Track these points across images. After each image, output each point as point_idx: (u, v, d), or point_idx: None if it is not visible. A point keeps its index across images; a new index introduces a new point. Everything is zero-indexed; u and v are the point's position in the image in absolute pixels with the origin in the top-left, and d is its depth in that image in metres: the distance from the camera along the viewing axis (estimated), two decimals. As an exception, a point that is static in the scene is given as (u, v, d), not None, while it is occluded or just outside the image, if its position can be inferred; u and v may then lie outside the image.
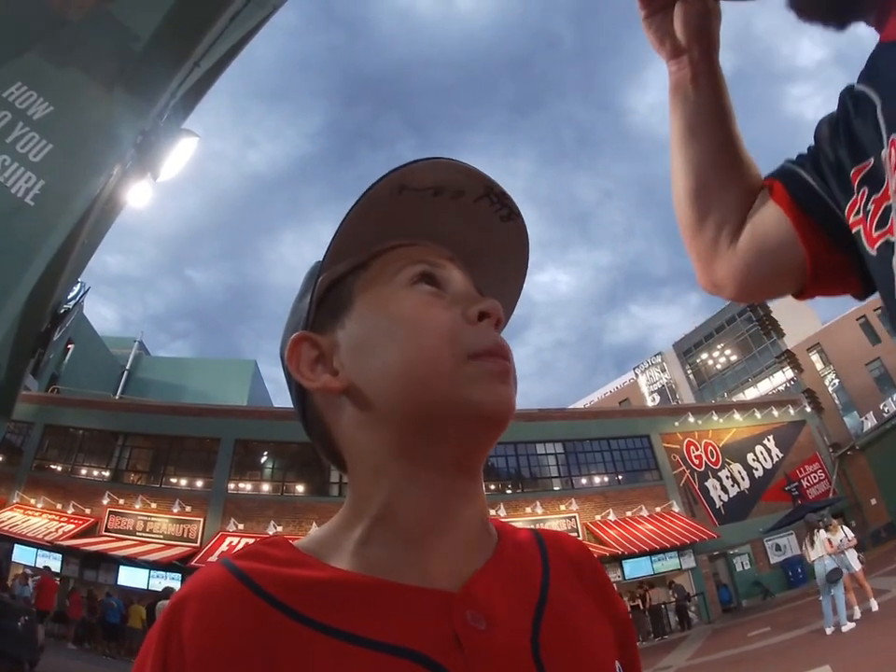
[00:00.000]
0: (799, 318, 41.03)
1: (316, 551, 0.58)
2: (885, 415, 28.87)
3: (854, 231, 0.77)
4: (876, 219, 0.72)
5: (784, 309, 38.96)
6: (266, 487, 21.67)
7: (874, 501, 27.12)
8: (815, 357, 39.19)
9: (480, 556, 0.61)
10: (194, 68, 7.77)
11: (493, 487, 23.60)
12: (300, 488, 21.83)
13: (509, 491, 24.20)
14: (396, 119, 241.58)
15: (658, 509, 24.93)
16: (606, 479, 25.87)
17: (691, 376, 46.63)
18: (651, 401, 47.58)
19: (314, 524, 19.15)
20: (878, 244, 0.72)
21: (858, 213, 0.76)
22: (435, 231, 0.68)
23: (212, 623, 0.49)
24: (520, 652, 0.53)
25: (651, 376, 50.54)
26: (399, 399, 0.58)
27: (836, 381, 37.65)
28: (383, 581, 0.54)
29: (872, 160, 0.74)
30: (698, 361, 46.44)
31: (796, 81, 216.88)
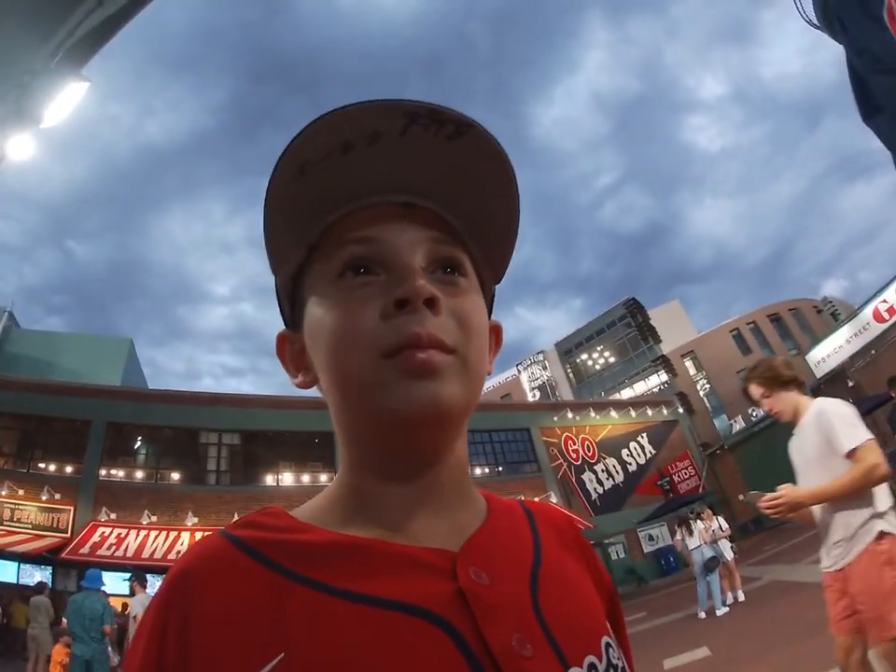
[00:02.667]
0: (676, 327, 43.95)
1: (313, 517, 0.58)
2: (752, 419, 31.15)
3: None
4: None
5: (662, 317, 41.27)
6: (140, 474, 20.41)
7: (741, 497, 28.60)
8: (689, 363, 41.77)
9: (472, 521, 0.61)
10: (97, 7, 7.19)
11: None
12: (175, 476, 20.74)
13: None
14: (303, 102, 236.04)
15: (537, 499, 25.18)
16: (486, 469, 26.29)
17: (570, 375, 48.53)
18: (532, 397, 49.29)
19: (189, 513, 18.51)
20: None
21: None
22: (366, 185, 0.60)
23: (215, 592, 0.50)
24: (522, 607, 0.54)
25: (532, 373, 52.21)
26: (336, 404, 0.59)
27: (708, 386, 40.32)
28: (383, 542, 0.55)
29: None
30: (578, 361, 48.34)
31: (695, 112, 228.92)
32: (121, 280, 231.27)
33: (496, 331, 0.71)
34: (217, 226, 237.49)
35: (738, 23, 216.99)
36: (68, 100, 7.91)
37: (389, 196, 0.60)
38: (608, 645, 0.58)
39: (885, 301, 26.86)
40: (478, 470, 25.92)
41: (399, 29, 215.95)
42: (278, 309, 0.68)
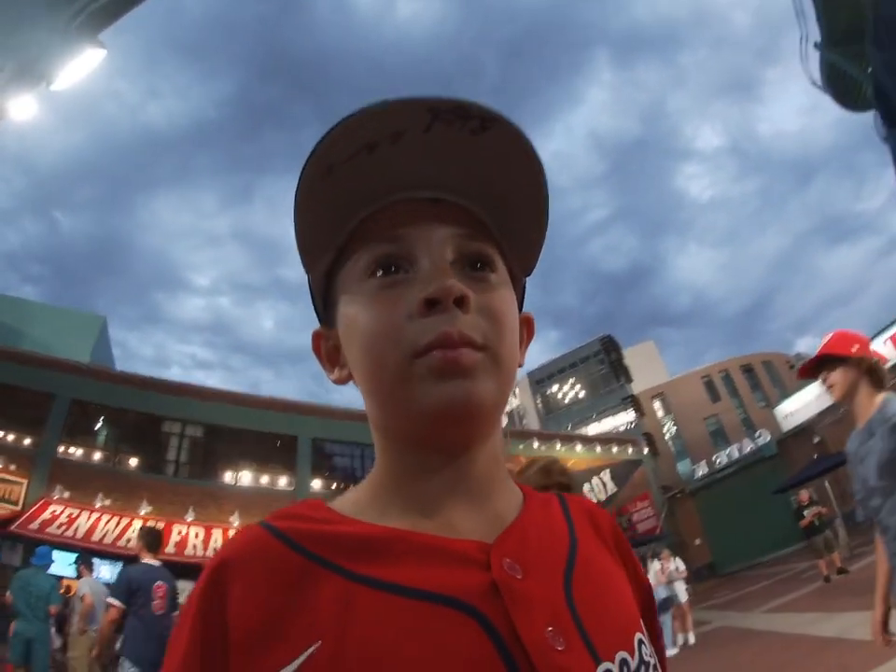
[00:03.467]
0: (648, 368, 44.33)
1: (350, 510, 0.59)
2: (716, 466, 31.34)
3: None
4: None
5: (636, 357, 41.62)
6: (98, 455, 19.89)
7: (698, 541, 29.88)
8: (658, 405, 42.20)
9: (507, 513, 0.61)
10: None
11: (333, 486, 23.19)
12: (133, 462, 20.23)
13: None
14: (308, 105, 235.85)
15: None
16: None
17: (540, 405, 48.38)
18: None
19: (144, 501, 18.09)
20: None
21: None
22: (397, 182, 0.60)
23: (254, 581, 0.51)
24: (556, 601, 0.54)
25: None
26: (370, 401, 0.61)
27: (674, 429, 40.68)
28: (417, 533, 0.55)
29: None
30: (549, 392, 48.23)
31: (690, 161, 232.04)
32: (102, 257, 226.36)
33: (527, 323, 0.71)
34: (206, 217, 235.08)
35: (742, 79, 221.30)
36: (83, 65, 7.83)
37: (416, 193, 0.60)
38: (640, 642, 0.58)
39: (856, 364, 26.87)
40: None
41: (411, 46, 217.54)
42: (312, 306, 0.70)
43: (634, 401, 39.20)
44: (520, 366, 0.65)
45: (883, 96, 0.70)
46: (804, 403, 29.74)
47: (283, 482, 21.55)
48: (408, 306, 0.56)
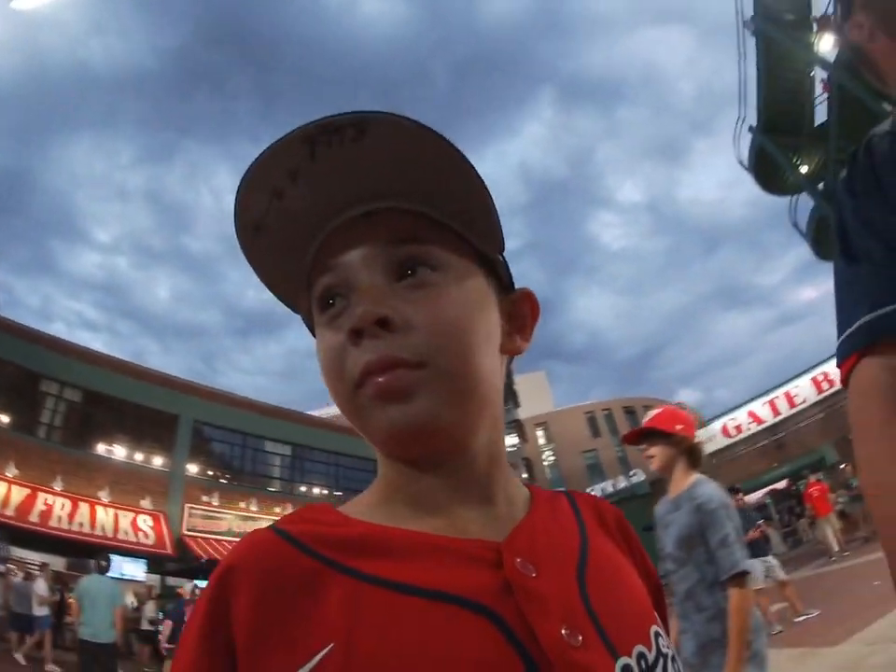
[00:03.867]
0: (536, 396, 45.45)
1: (359, 512, 0.58)
2: None
3: None
4: None
5: (526, 384, 42.55)
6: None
7: None
8: (540, 433, 43.38)
9: (515, 513, 0.61)
10: None
11: (209, 473, 22.40)
12: (4, 419, 18.66)
13: (223, 481, 23.00)
14: (248, 78, 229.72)
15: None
16: (325, 491, 25.73)
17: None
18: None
19: (11, 463, 16.45)
20: None
21: None
22: (311, 217, 0.60)
23: (262, 586, 0.50)
24: (571, 598, 0.54)
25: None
26: None
27: (553, 458, 41.92)
28: (428, 535, 0.55)
29: None
30: (437, 408, 48.36)
31: (609, 210, 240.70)
32: (1, 188, 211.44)
33: (525, 300, 0.68)
34: (120, 169, 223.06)
35: (673, 144, 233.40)
36: None
37: (343, 215, 0.60)
38: (656, 634, 0.58)
39: (734, 420, 28.73)
40: (316, 490, 25.47)
41: (368, 43, 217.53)
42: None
43: (518, 426, 39.89)
44: (521, 352, 0.66)
45: (843, 234, 0.79)
46: (679, 449, 30.85)
47: (158, 461, 20.51)
48: (344, 338, 0.56)
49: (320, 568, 0.51)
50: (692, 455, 2.77)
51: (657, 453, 2.78)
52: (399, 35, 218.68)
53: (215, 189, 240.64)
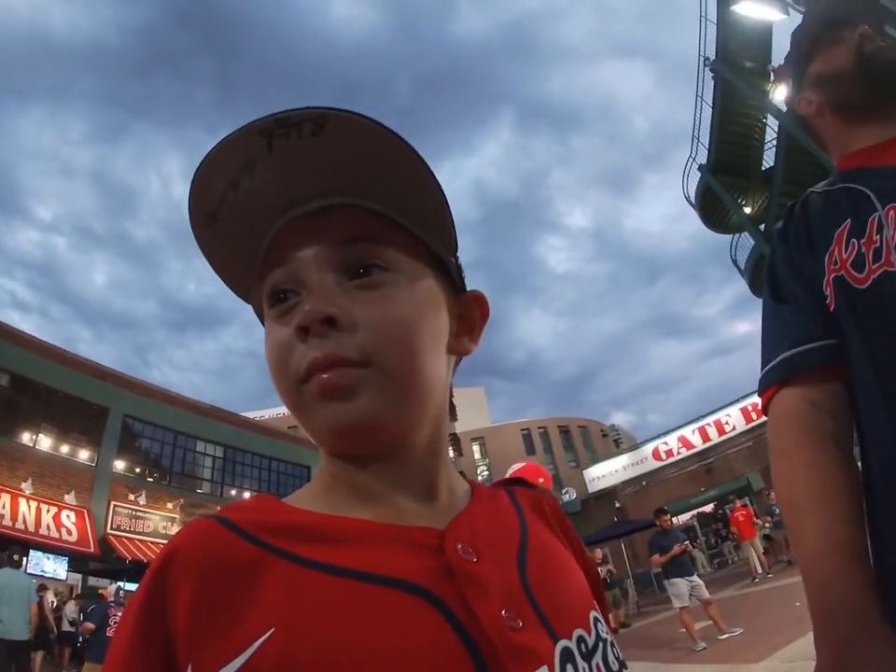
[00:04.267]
0: (474, 411, 45.72)
1: (301, 503, 0.59)
2: None
3: (833, 276, 1.00)
4: (871, 255, 0.95)
5: (464, 398, 42.81)
6: None
7: None
8: (476, 448, 43.63)
9: (456, 503, 0.62)
10: None
11: (137, 470, 21.72)
12: None
13: (151, 479, 22.33)
14: (210, 64, 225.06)
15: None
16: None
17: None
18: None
19: None
20: (875, 276, 0.93)
21: (836, 262, 1.00)
22: (267, 208, 0.60)
23: (202, 572, 0.50)
24: (510, 582, 0.55)
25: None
26: None
27: (487, 473, 42.01)
28: (370, 522, 0.56)
29: (849, 220, 1.00)
30: (372, 417, 48.19)
31: (556, 233, 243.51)
32: None
33: (477, 303, 0.70)
34: (67, 144, 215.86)
35: (623, 175, 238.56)
36: None
37: (297, 209, 0.60)
38: (595, 619, 0.60)
39: (666, 444, 29.43)
40: (247, 494, 24.66)
41: (335, 45, 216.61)
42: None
43: (454, 439, 39.92)
44: (469, 352, 0.67)
45: (773, 277, 0.94)
46: (610, 471, 31.73)
47: (84, 455, 19.72)
48: (292, 334, 0.57)
49: (262, 555, 0.51)
50: None
51: None
52: (367, 41, 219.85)
53: (164, 175, 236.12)
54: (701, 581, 8.33)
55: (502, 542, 0.59)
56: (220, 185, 0.57)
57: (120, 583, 11.03)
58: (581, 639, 0.56)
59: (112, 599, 9.41)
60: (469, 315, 0.68)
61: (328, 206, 0.59)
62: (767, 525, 16.97)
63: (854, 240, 0.97)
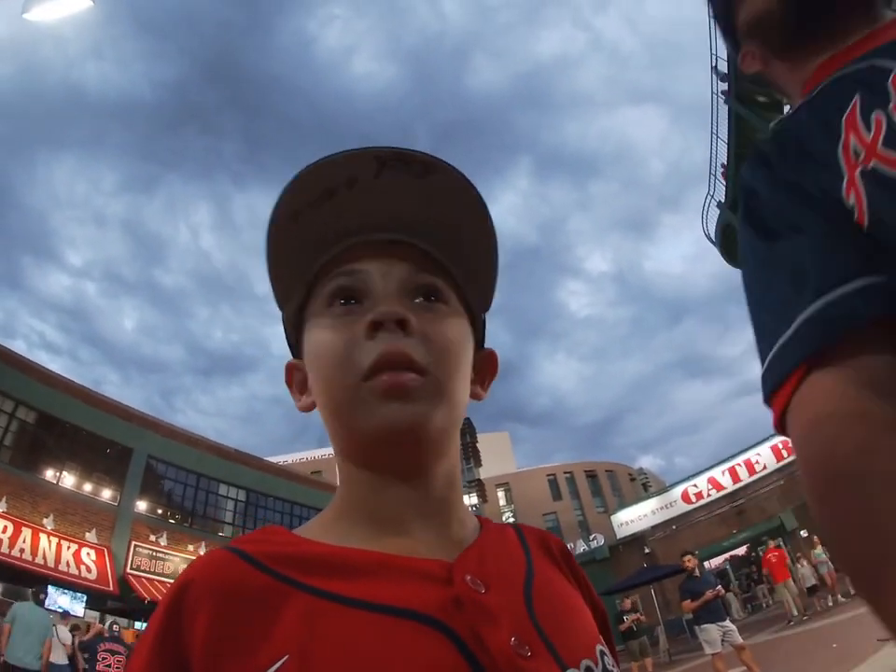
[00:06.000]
0: (499, 457, 45.44)
1: (313, 534, 0.60)
2: None
3: (860, 171, 0.65)
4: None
5: (489, 444, 42.54)
6: None
7: None
8: (501, 494, 43.41)
9: (466, 536, 0.63)
10: None
11: (159, 512, 21.67)
12: None
13: (172, 521, 22.26)
14: (238, 120, 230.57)
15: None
16: (279, 540, 24.84)
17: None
18: (343, 483, 48.08)
19: None
20: None
21: (856, 153, 0.66)
22: (352, 225, 0.65)
23: (217, 601, 0.51)
24: (518, 613, 0.56)
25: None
26: (326, 423, 0.65)
27: (512, 519, 41.05)
28: (381, 554, 0.57)
29: (858, 96, 0.69)
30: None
31: (577, 278, 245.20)
32: None
33: (490, 359, 0.74)
34: (100, 194, 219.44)
35: (641, 218, 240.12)
36: (65, 7, 7.74)
37: (373, 235, 0.65)
38: (602, 653, 0.60)
39: (695, 486, 28.89)
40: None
41: (355, 101, 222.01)
42: (286, 341, 0.73)
43: (479, 486, 39.69)
44: (480, 399, 0.71)
45: (753, 212, 0.68)
46: (639, 515, 31.06)
47: (107, 494, 19.73)
48: (358, 331, 0.60)
49: (276, 585, 0.52)
50: None
51: None
52: (387, 95, 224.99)
53: (192, 225, 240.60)
54: (733, 626, 8.06)
55: (509, 575, 0.60)
56: (316, 190, 0.62)
57: (117, 619, 11.04)
58: (588, 669, 0.56)
59: (108, 635, 9.55)
60: (483, 367, 0.73)
61: (401, 241, 0.65)
62: (804, 568, 16.22)
63: (878, 112, 0.66)
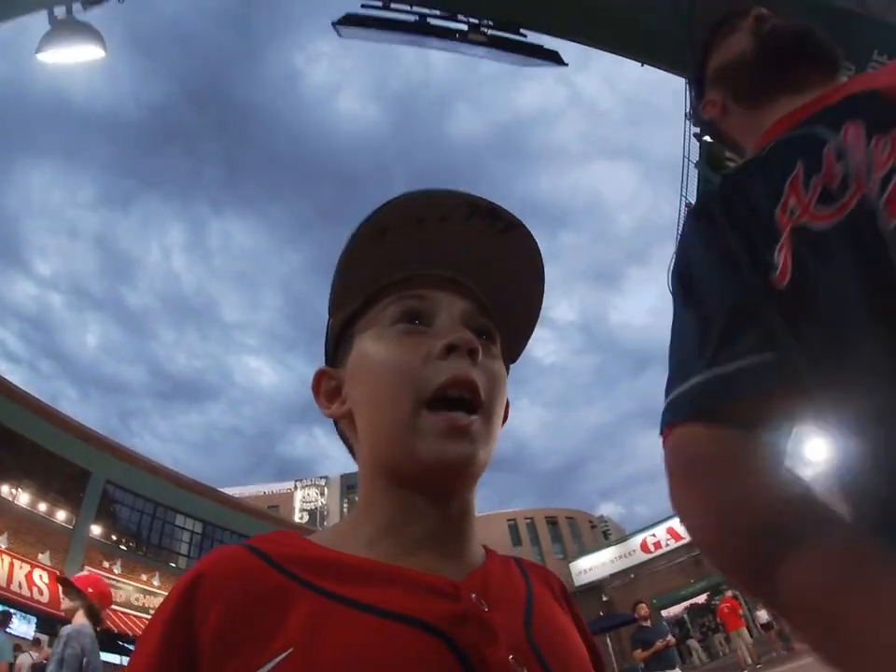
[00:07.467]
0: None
1: (327, 541, 0.63)
2: None
3: (795, 225, 0.75)
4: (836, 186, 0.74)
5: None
6: None
7: None
8: None
9: (473, 561, 0.66)
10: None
11: (113, 538, 21.11)
12: None
13: (124, 547, 21.65)
14: (219, 146, 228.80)
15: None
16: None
17: (347, 509, 47.45)
18: (300, 518, 47.72)
19: None
20: (849, 209, 0.72)
21: (792, 212, 0.76)
22: (431, 256, 0.70)
23: (228, 594, 0.53)
24: (518, 634, 0.58)
25: (308, 495, 51.35)
26: (372, 438, 0.66)
27: None
28: (392, 566, 0.59)
29: (800, 163, 0.78)
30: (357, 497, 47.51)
31: (543, 326, 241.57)
32: None
33: (507, 408, 0.76)
34: (75, 206, 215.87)
35: (608, 269, 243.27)
36: (75, 55, 7.83)
37: (443, 270, 0.71)
38: None
39: (653, 535, 28.99)
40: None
41: (337, 137, 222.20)
42: (324, 348, 0.77)
43: (439, 528, 39.29)
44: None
45: (685, 273, 0.72)
46: (598, 563, 31.11)
47: (62, 516, 19.20)
48: (426, 351, 0.63)
49: (287, 583, 0.55)
50: (90, 611, 4.14)
51: (72, 599, 4.17)
52: (368, 136, 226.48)
53: (165, 246, 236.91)
54: None
55: (511, 598, 0.63)
56: (409, 215, 0.67)
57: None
58: None
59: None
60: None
61: (461, 282, 0.71)
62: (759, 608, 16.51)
63: (815, 178, 0.76)
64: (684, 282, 0.84)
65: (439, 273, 0.70)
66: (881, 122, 0.74)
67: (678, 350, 0.81)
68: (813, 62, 0.99)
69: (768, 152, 0.88)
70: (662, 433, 0.77)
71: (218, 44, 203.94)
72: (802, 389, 0.70)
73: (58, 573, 17.22)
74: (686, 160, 18.83)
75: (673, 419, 0.75)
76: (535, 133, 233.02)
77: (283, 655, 0.49)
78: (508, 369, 0.74)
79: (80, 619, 4.09)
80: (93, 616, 4.14)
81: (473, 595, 0.58)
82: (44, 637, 16.28)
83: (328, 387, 0.73)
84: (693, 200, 18.76)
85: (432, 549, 0.63)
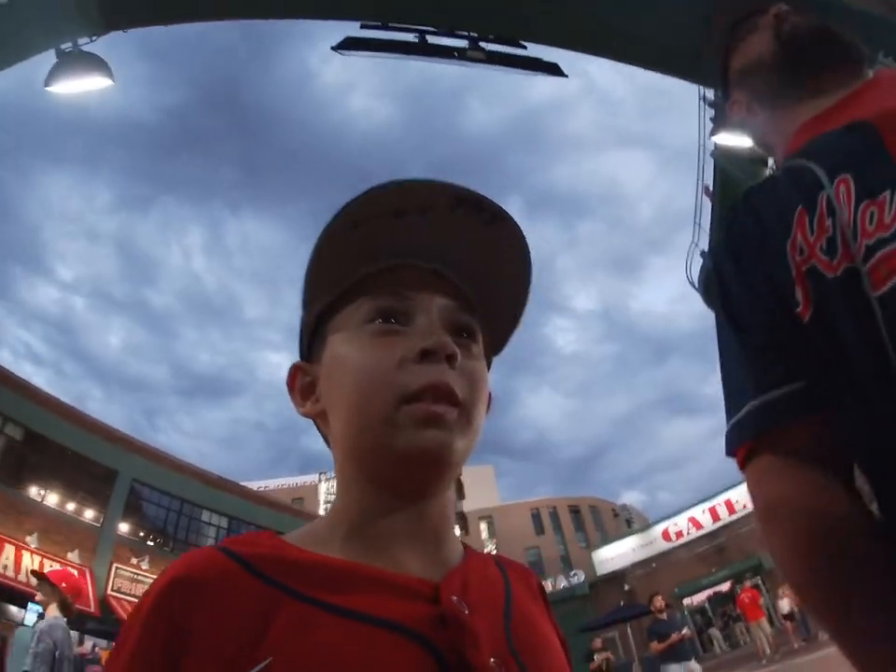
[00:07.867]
0: (482, 489, 44.81)
1: (303, 542, 0.62)
2: None
3: (807, 266, 0.81)
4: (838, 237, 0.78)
5: (472, 476, 42.18)
6: None
7: None
8: (483, 526, 42.57)
9: (452, 559, 0.66)
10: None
11: (141, 535, 21.51)
12: None
13: (151, 544, 22.05)
14: (234, 148, 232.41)
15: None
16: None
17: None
18: (324, 510, 47.03)
19: None
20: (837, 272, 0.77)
21: (802, 251, 0.81)
22: (412, 248, 0.68)
23: (206, 599, 0.52)
24: (498, 637, 0.58)
25: (332, 486, 50.55)
26: (346, 437, 0.65)
27: (495, 552, 39.95)
28: (370, 567, 0.58)
29: (801, 203, 0.82)
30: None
31: (563, 315, 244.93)
32: None
33: (490, 400, 0.76)
34: (93, 211, 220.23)
35: (628, 259, 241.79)
36: (85, 85, 7.95)
37: (422, 261, 0.68)
38: None
39: (675, 525, 28.71)
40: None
41: (351, 134, 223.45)
42: (298, 342, 0.75)
43: (462, 518, 39.26)
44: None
45: (726, 296, 0.81)
46: (620, 552, 30.94)
47: (90, 514, 19.62)
48: (402, 353, 0.62)
49: (264, 588, 0.54)
50: (62, 604, 4.42)
51: (46, 593, 4.46)
52: (383, 132, 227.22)
53: (185, 247, 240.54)
54: (698, 667, 8.31)
55: (490, 599, 0.63)
56: (385, 207, 0.65)
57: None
58: None
59: (90, 655, 9.55)
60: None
61: (445, 275, 0.69)
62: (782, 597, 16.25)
63: (815, 220, 0.81)
64: (729, 320, 0.90)
65: (421, 264, 0.68)
66: (871, 185, 0.77)
67: (729, 380, 0.90)
68: (834, 62, 0.99)
69: (782, 173, 0.91)
70: (729, 455, 0.87)
71: (231, 46, 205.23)
72: (831, 415, 0.78)
73: (87, 570, 17.70)
74: (702, 147, 18.77)
75: (734, 445, 0.85)
76: (550, 122, 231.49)
77: (262, 665, 0.49)
78: (491, 361, 0.75)
79: (53, 611, 4.41)
80: (66, 608, 4.46)
81: (454, 598, 0.58)
82: (74, 635, 16.72)
83: (302, 383, 0.71)
84: (710, 186, 18.74)
85: (410, 548, 0.62)
